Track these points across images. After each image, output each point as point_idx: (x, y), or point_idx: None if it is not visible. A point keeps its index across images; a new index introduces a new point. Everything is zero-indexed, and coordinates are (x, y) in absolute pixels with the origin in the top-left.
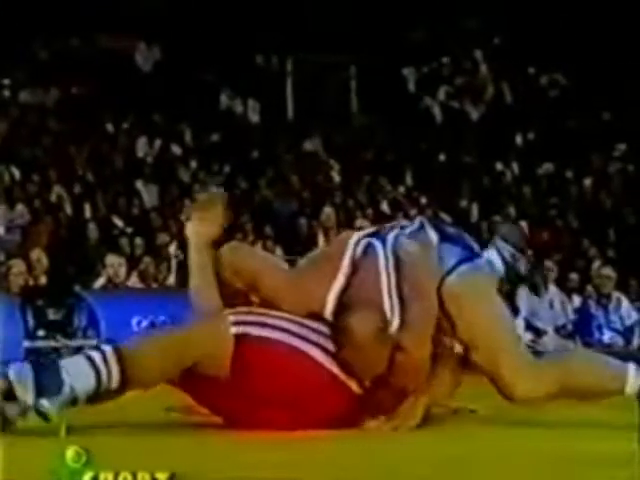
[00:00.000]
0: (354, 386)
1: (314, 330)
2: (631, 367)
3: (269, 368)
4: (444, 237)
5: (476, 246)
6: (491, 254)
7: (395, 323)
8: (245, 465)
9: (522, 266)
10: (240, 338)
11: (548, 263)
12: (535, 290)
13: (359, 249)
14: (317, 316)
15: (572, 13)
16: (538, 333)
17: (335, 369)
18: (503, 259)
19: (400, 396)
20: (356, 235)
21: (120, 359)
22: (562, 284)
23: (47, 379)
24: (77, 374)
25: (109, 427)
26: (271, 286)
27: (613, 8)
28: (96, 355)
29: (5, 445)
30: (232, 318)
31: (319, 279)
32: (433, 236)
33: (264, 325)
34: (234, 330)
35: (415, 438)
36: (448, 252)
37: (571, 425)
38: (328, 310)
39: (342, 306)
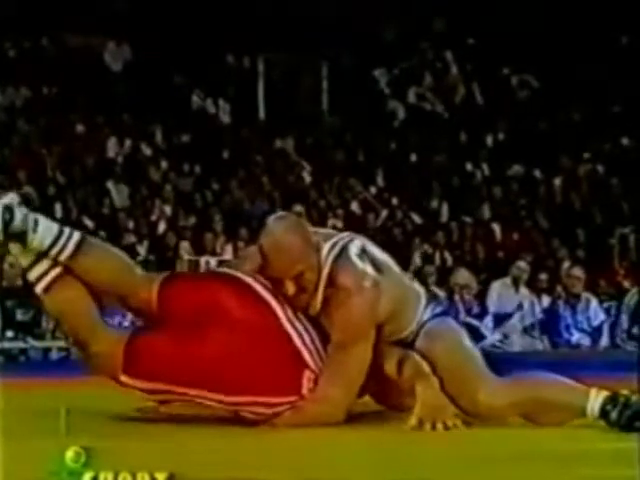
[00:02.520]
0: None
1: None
2: (592, 389)
3: (198, 286)
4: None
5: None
6: None
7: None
8: (245, 465)
9: None
10: (168, 275)
11: (520, 263)
12: None
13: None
14: None
15: (543, 14)
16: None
17: (259, 286)
18: None
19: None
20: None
21: (81, 243)
22: (532, 284)
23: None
24: (45, 224)
25: (109, 427)
26: None
27: (584, 10)
28: (66, 227)
29: (5, 445)
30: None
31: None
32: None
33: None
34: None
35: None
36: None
37: (570, 424)
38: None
39: None
